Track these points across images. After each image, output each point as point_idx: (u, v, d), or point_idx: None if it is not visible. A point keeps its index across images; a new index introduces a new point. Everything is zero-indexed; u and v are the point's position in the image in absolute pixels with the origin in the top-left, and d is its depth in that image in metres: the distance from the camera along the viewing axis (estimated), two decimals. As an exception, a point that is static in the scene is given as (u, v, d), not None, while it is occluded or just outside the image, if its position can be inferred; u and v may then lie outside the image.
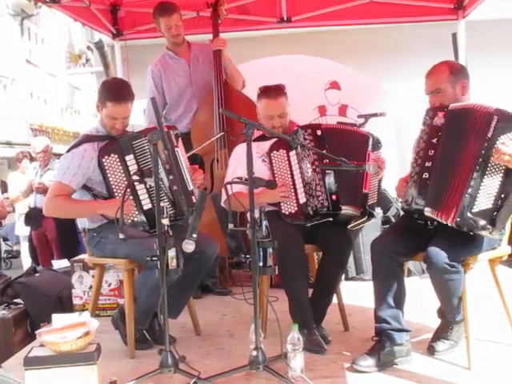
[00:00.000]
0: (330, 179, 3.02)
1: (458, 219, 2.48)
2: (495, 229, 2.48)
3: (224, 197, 3.06)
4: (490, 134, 2.47)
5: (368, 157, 3.05)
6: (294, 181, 3.02)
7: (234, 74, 4.14)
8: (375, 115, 4.61)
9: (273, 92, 3.15)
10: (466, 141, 2.56)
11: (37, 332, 2.43)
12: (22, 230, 6.55)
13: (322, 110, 5.61)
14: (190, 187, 3.03)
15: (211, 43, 4.09)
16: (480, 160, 2.48)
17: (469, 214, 2.47)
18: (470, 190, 2.48)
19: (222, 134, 3.88)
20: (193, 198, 2.99)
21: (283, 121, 3.15)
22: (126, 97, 2.98)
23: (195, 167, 3.24)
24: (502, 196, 2.46)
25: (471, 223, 2.47)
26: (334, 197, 3.01)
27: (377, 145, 3.12)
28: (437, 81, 2.78)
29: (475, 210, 2.47)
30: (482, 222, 2.45)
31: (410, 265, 4.06)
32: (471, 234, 2.55)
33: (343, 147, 3.01)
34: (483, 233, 2.51)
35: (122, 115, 2.99)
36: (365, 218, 3.08)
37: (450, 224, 2.52)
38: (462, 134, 2.58)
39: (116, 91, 2.99)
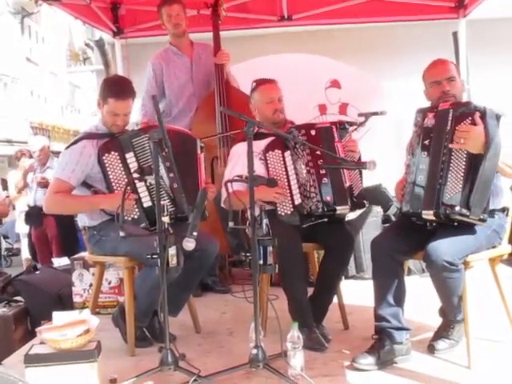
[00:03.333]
0: (325, 180, 3.01)
1: (435, 209, 2.55)
2: (472, 212, 2.50)
3: (224, 196, 3.06)
4: (448, 127, 2.55)
5: (337, 148, 3.04)
6: (289, 181, 3.02)
7: (234, 84, 4.18)
8: (376, 114, 4.57)
9: (267, 79, 3.25)
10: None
11: (37, 329, 2.43)
12: (23, 228, 6.56)
13: (323, 109, 5.61)
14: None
15: (214, 57, 4.10)
16: (445, 151, 2.55)
17: (444, 203, 2.52)
18: (440, 181, 2.55)
19: (233, 132, 3.86)
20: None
21: (282, 105, 3.18)
22: (127, 93, 3.00)
23: (209, 182, 3.27)
24: (470, 179, 2.50)
25: (447, 210, 2.51)
26: (328, 198, 2.99)
27: (343, 130, 3.11)
28: (451, 69, 2.79)
29: (447, 197, 2.53)
30: (457, 208, 2.50)
31: (410, 263, 4.06)
32: (470, 229, 2.57)
33: (330, 145, 3.01)
34: (463, 218, 2.52)
35: (123, 111, 2.99)
36: (356, 211, 3.10)
37: (432, 218, 2.57)
38: (449, 134, 2.59)
39: (117, 87, 3.01)
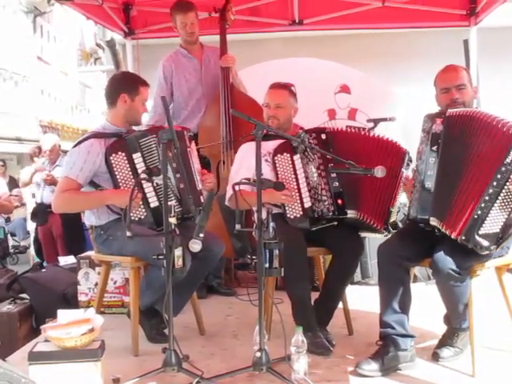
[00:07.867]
0: (336, 183, 3.01)
1: (464, 237, 2.47)
2: (498, 248, 2.48)
3: (228, 194, 3.07)
4: (509, 159, 2.39)
5: (401, 174, 2.92)
6: (298, 185, 3.01)
7: (240, 87, 4.18)
8: (385, 120, 4.59)
9: (276, 84, 3.24)
10: (472, 151, 2.52)
11: (42, 327, 2.44)
12: (33, 225, 6.58)
13: (332, 114, 5.61)
14: (199, 187, 3.07)
15: (220, 60, 4.11)
16: (495, 184, 2.41)
17: (476, 236, 2.44)
18: (479, 212, 2.43)
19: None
20: (201, 197, 3.03)
21: (278, 112, 3.13)
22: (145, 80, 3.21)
23: (205, 172, 3.28)
24: None
25: (475, 243, 2.45)
26: (339, 201, 3.00)
27: (409, 162, 2.98)
28: (462, 76, 2.77)
29: (482, 232, 2.45)
30: (486, 244, 2.44)
31: (416, 271, 4.04)
32: None
33: (355, 154, 2.92)
34: (485, 252, 2.49)
35: (149, 96, 3.13)
36: (384, 234, 3.03)
37: (453, 237, 2.51)
38: (464, 142, 2.55)
39: (140, 78, 3.15)
